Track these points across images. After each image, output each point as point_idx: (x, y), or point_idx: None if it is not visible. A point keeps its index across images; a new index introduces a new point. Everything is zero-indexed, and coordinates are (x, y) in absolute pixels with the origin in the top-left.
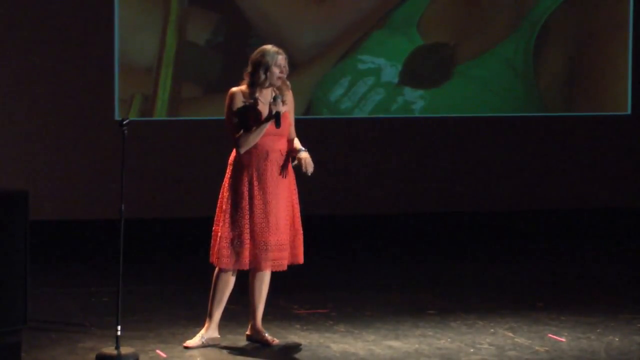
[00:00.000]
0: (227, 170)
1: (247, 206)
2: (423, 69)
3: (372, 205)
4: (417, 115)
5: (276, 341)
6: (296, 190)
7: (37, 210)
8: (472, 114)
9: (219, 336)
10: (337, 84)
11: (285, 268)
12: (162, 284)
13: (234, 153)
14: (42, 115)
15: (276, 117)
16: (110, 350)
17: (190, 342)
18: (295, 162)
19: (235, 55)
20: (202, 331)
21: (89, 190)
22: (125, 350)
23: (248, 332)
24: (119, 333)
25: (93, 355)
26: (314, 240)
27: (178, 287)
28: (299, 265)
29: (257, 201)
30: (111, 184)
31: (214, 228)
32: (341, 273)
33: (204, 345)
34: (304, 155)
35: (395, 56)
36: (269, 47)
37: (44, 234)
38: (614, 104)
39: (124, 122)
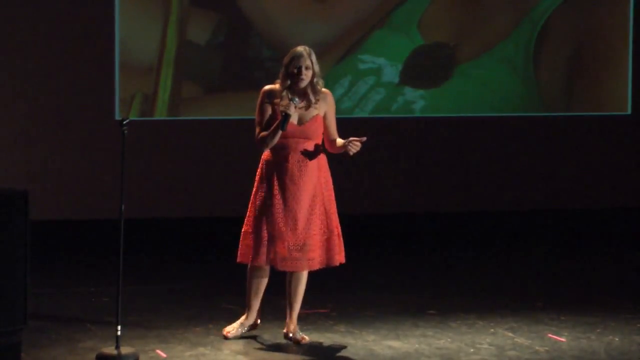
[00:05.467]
0: (258, 169)
1: (268, 205)
2: (423, 68)
3: (372, 205)
4: (417, 115)
5: (306, 339)
6: (331, 191)
7: (37, 210)
8: (472, 114)
9: (259, 321)
10: (338, 84)
11: (302, 269)
12: (162, 284)
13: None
14: (42, 115)
15: (282, 119)
16: (110, 350)
17: (230, 331)
18: (349, 148)
19: (235, 55)
20: (242, 319)
21: (89, 190)
22: (125, 350)
23: (285, 330)
24: (119, 333)
25: (93, 355)
26: None
27: (178, 287)
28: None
29: (277, 201)
30: (111, 183)
31: (243, 227)
32: (341, 273)
33: (242, 335)
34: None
35: (396, 56)
36: (297, 47)
37: (44, 234)
38: (614, 104)
39: (124, 122)
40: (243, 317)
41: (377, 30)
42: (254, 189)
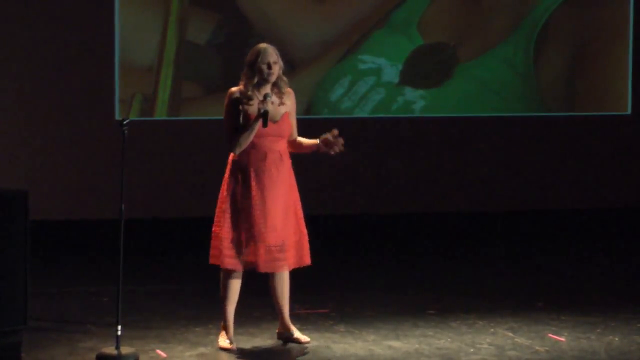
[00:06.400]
0: (226, 170)
1: (246, 207)
2: (423, 68)
3: (373, 205)
4: (417, 115)
5: (306, 339)
6: (297, 191)
7: (37, 210)
8: (472, 114)
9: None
10: (338, 84)
11: (285, 269)
12: (162, 284)
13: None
14: (43, 115)
15: (263, 116)
16: (110, 350)
17: (227, 345)
18: (331, 150)
19: (235, 55)
20: (225, 333)
21: (89, 190)
22: (125, 350)
23: (278, 330)
24: (119, 333)
25: (93, 355)
26: (314, 240)
27: (178, 287)
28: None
29: (256, 202)
30: (111, 183)
31: (213, 229)
32: (341, 273)
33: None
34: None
35: (396, 56)
36: (259, 44)
37: (44, 234)
38: (614, 104)
39: (124, 122)
40: (224, 332)
41: (377, 30)
42: (224, 192)
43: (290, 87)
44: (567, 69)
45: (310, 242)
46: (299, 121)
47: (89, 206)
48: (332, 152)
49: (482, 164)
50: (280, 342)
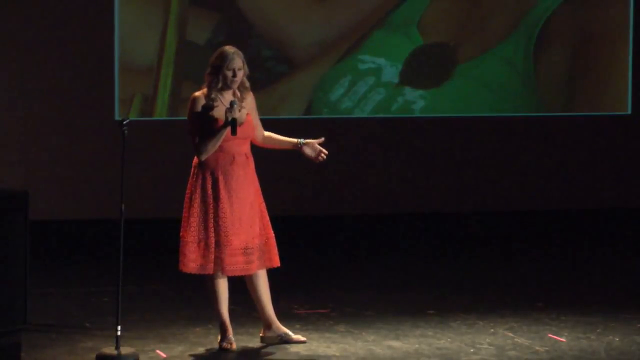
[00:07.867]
0: (191, 173)
1: (213, 210)
2: (423, 68)
3: (372, 205)
4: (417, 115)
5: (303, 339)
6: (261, 193)
7: (37, 210)
8: (472, 114)
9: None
10: (338, 84)
11: (249, 272)
12: (162, 284)
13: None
14: (42, 115)
15: (232, 124)
16: (110, 350)
17: (229, 345)
18: (309, 147)
19: None
20: (224, 335)
21: (89, 190)
22: (125, 350)
23: (263, 334)
24: (119, 333)
25: (93, 355)
26: (314, 240)
27: (178, 287)
28: (299, 265)
29: (224, 205)
30: (111, 183)
31: (181, 234)
32: (341, 273)
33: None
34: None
35: (396, 56)
36: (226, 48)
37: (44, 234)
38: (614, 104)
39: (124, 122)
40: (223, 333)
41: (377, 30)
42: (190, 196)
43: (291, 87)
44: (567, 68)
45: (310, 242)
46: (299, 121)
47: (89, 206)
48: (317, 161)
49: (482, 164)
50: (280, 342)
